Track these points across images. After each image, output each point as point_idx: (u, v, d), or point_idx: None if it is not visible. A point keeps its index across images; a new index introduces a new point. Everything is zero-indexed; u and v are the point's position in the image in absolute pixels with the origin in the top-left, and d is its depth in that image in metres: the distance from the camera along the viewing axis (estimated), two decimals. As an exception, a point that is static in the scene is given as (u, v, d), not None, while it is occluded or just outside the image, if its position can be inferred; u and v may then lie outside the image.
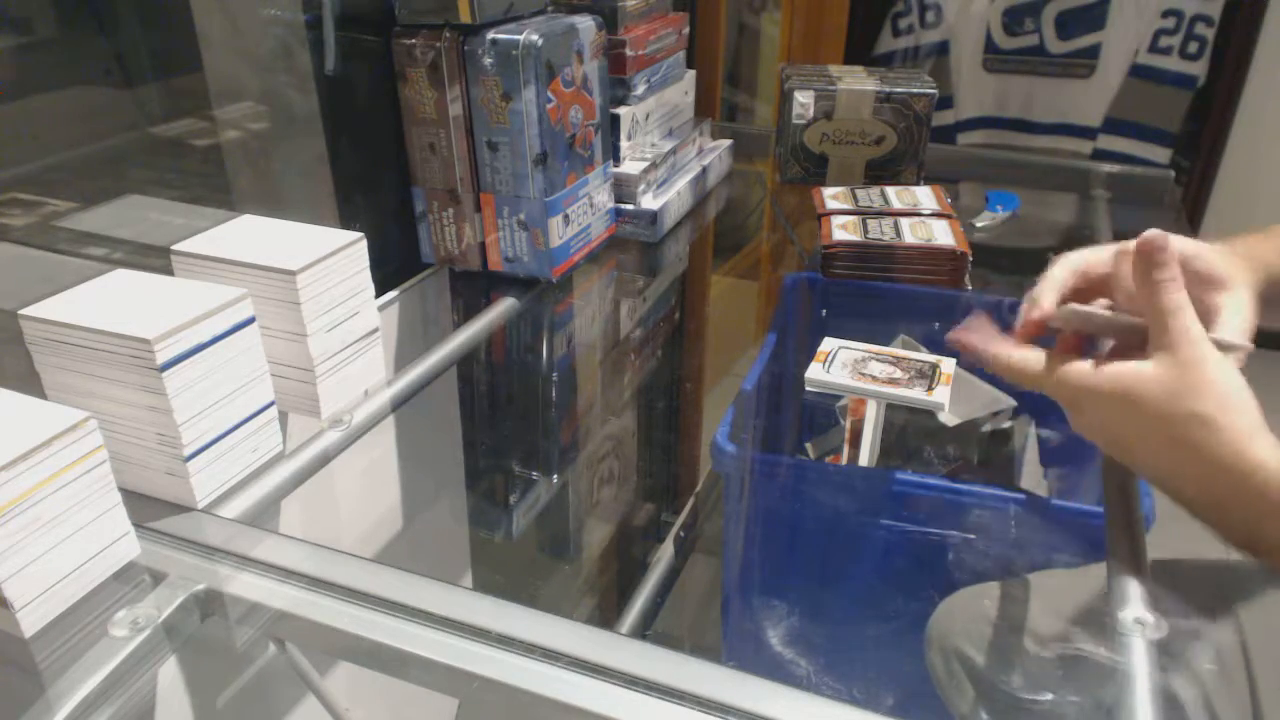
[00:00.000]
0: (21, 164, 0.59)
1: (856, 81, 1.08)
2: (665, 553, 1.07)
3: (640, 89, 1.00)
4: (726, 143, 1.21)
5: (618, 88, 0.97)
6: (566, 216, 0.86)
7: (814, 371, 0.74)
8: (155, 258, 0.61)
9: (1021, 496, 0.72)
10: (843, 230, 0.91)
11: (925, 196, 0.99)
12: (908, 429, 0.90)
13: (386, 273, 0.83)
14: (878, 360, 0.75)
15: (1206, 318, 0.52)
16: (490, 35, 0.77)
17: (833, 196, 0.99)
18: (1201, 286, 0.54)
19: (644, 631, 0.99)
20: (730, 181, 1.22)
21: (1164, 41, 1.96)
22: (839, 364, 0.75)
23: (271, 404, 0.57)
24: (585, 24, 0.85)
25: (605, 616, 1.20)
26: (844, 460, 0.87)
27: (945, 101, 2.13)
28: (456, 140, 0.82)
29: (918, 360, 0.75)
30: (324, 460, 0.61)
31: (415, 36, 0.79)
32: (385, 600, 0.47)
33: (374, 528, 0.87)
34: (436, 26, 0.78)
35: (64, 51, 0.61)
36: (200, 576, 0.49)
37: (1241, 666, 0.59)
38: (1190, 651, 0.59)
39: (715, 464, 0.78)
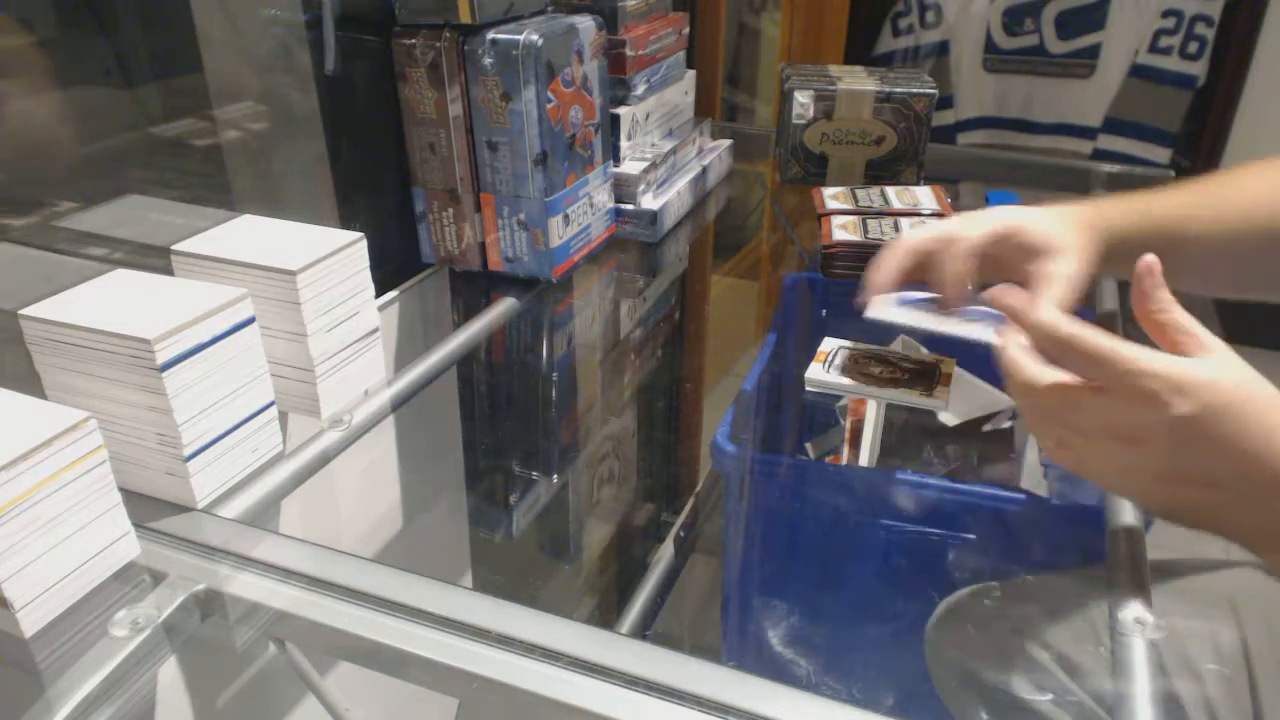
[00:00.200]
0: (21, 164, 0.59)
1: (856, 81, 1.08)
2: (665, 553, 1.07)
3: (640, 89, 1.00)
4: (726, 143, 1.21)
5: (618, 88, 0.97)
6: (566, 216, 0.86)
7: (814, 371, 0.74)
8: (155, 258, 0.61)
9: (1021, 496, 0.72)
10: (843, 230, 0.91)
11: (925, 197, 0.99)
12: (908, 429, 0.90)
13: (386, 273, 0.83)
14: (878, 360, 0.75)
15: (1034, 285, 0.57)
16: (490, 35, 0.77)
17: (833, 196, 0.99)
18: (1028, 257, 0.60)
19: (644, 631, 0.99)
20: (730, 181, 1.22)
21: (1164, 41, 1.96)
22: (839, 364, 0.75)
23: (271, 404, 0.57)
24: (585, 24, 0.85)
25: (605, 616, 1.20)
26: (844, 460, 0.87)
27: (945, 101, 2.13)
28: (456, 140, 0.82)
29: (918, 360, 0.75)
30: (324, 460, 0.61)
31: (415, 36, 0.79)
32: (385, 600, 0.47)
33: (374, 528, 0.87)
34: (436, 26, 0.78)
35: (64, 51, 0.61)
36: (200, 576, 0.49)
37: (1241, 666, 0.59)
38: (1190, 651, 0.59)
39: (715, 464, 0.78)
